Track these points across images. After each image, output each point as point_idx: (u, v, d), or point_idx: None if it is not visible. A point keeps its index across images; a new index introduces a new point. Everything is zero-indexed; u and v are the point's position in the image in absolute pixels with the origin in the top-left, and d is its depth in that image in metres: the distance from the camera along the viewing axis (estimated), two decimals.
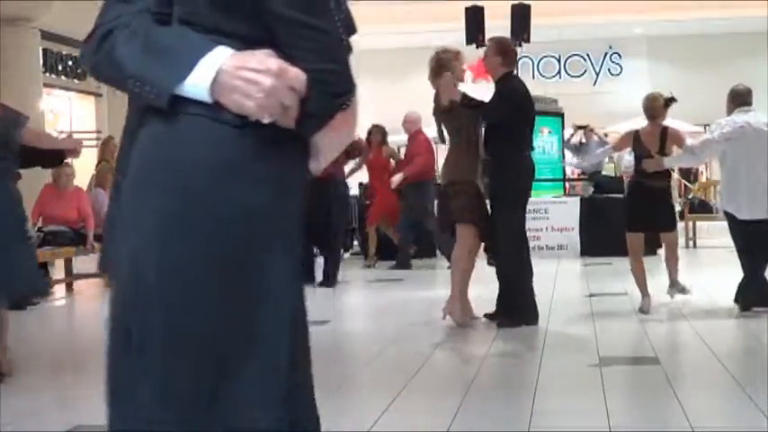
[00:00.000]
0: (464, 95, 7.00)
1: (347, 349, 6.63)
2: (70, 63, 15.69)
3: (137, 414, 1.69)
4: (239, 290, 1.69)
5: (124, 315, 1.71)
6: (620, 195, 12.95)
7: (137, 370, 1.69)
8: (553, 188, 14.22)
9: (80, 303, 9.69)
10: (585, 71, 23.25)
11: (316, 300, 9.07)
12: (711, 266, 10.55)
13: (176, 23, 1.76)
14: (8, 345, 5.64)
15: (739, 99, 7.44)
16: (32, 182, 9.98)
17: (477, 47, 14.01)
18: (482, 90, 8.11)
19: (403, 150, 12.17)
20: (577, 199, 12.71)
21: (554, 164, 15.44)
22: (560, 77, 23.01)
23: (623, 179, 14.44)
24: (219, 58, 1.67)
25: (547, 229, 12.13)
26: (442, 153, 12.01)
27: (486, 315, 7.03)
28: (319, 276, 9.68)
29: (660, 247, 11.64)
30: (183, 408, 1.68)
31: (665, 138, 7.60)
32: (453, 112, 6.97)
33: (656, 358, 5.61)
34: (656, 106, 7.66)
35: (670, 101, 7.62)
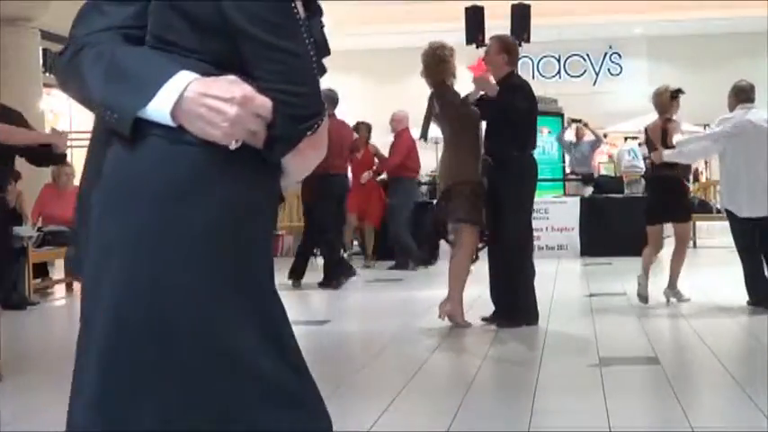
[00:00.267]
0: (469, 94, 6.97)
1: (347, 349, 6.62)
2: None
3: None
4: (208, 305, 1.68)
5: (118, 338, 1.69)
6: (620, 195, 13.02)
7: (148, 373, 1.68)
8: (553, 188, 14.23)
9: (80, 303, 9.68)
10: (585, 71, 23.23)
11: (316, 300, 9.08)
12: (711, 266, 10.54)
13: (149, 39, 1.74)
14: None
15: (743, 95, 7.46)
16: (32, 182, 10.01)
17: (477, 47, 14.00)
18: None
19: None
20: (577, 199, 12.71)
21: (554, 164, 15.46)
22: (560, 77, 22.99)
23: (623, 179, 14.48)
24: (181, 84, 1.65)
25: (547, 229, 12.13)
26: (425, 152, 12.14)
27: (483, 318, 6.99)
28: (319, 276, 9.68)
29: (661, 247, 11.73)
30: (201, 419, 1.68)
31: (666, 131, 7.67)
32: (463, 108, 6.90)
33: (655, 358, 5.61)
34: (661, 101, 7.74)
35: (676, 93, 7.69)
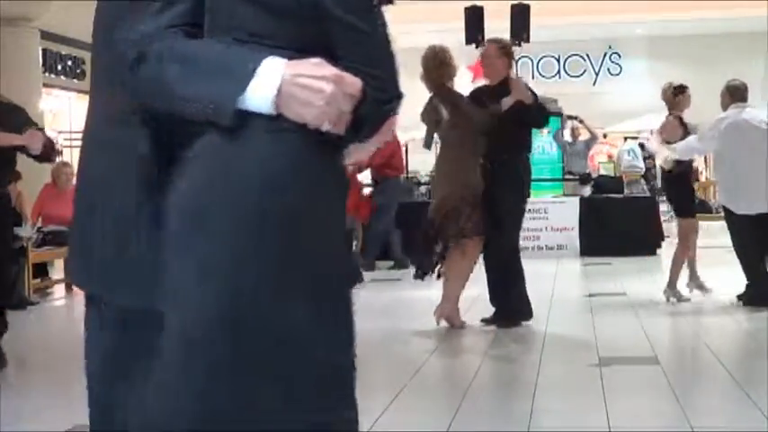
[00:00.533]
0: (503, 102, 6.75)
1: None
2: (70, 63, 15.68)
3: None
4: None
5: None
6: (620, 195, 13.02)
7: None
8: (552, 188, 14.22)
9: (80, 303, 9.64)
10: (585, 71, 23.23)
11: None
12: (711, 266, 10.52)
13: (213, 33, 1.70)
14: None
15: (737, 94, 7.52)
16: (32, 182, 10.01)
17: (477, 47, 13.98)
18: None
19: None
20: (577, 199, 12.70)
21: (554, 164, 15.46)
22: (560, 77, 22.99)
23: (623, 179, 14.49)
24: (277, 67, 1.63)
25: (546, 228, 12.12)
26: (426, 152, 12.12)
27: (483, 320, 6.97)
28: None
29: (659, 246, 11.73)
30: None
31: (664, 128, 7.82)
32: (473, 110, 6.76)
33: (655, 358, 5.61)
34: (666, 98, 7.90)
35: (677, 89, 7.77)
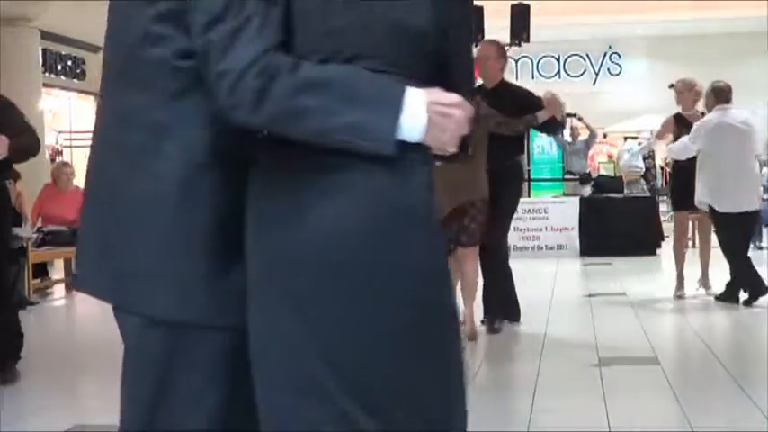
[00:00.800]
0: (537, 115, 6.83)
1: None
2: (70, 63, 15.67)
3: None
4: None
5: None
6: (620, 195, 13.01)
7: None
8: (552, 188, 14.22)
9: (80, 303, 9.68)
10: (585, 71, 23.23)
11: None
12: (711, 266, 10.53)
13: (297, 53, 1.68)
14: None
15: (722, 96, 7.68)
16: (32, 182, 10.01)
17: (477, 46, 14.00)
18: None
19: None
20: (577, 199, 12.70)
21: (554, 164, 15.45)
22: (560, 77, 22.98)
23: (623, 179, 14.48)
24: (420, 97, 1.66)
25: (546, 228, 12.13)
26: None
27: (483, 321, 6.96)
28: None
29: (659, 246, 11.75)
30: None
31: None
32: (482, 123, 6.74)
33: (655, 358, 5.61)
34: (676, 96, 8.17)
35: (671, 87, 8.25)
